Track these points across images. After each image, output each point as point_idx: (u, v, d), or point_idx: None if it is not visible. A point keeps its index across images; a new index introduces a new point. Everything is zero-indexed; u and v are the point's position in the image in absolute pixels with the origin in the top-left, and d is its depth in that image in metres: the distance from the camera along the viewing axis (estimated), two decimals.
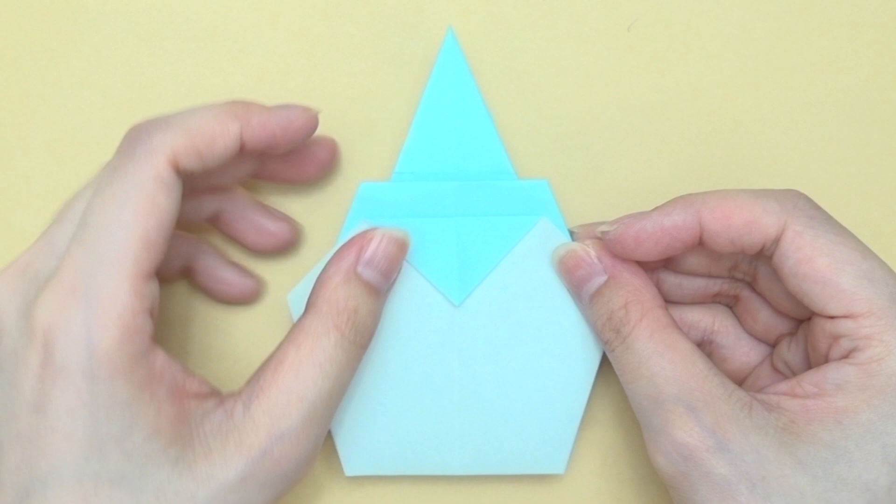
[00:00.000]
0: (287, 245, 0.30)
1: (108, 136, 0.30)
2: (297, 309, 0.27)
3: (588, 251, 0.26)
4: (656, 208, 0.25)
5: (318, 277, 0.25)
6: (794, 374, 0.26)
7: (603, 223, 0.26)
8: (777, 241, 0.24)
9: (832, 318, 0.23)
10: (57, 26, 0.32)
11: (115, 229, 0.23)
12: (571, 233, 0.28)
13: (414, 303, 0.27)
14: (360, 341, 0.25)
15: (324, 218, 0.31)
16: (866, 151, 0.31)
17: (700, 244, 0.25)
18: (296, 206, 0.31)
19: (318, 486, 0.31)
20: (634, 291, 0.25)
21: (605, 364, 0.28)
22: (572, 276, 0.27)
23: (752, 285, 0.27)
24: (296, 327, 0.25)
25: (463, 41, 0.30)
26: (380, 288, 0.26)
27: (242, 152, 0.25)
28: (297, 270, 0.30)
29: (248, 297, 0.30)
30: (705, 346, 0.29)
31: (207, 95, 0.31)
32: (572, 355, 0.28)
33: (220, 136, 0.24)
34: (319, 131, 0.27)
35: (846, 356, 0.23)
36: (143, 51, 0.32)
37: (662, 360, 0.24)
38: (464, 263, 0.27)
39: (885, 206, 0.31)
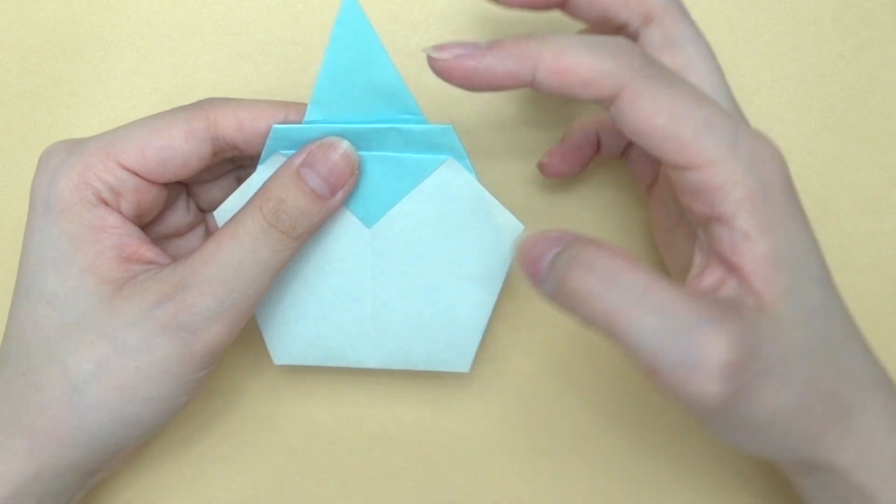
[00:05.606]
0: None
1: None
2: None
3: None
4: (490, 47, 0.25)
5: None
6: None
7: (430, 47, 0.25)
8: (614, 99, 0.24)
9: (684, 169, 0.24)
10: (112, 21, 0.36)
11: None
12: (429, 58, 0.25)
13: (333, 223, 0.31)
14: (282, 227, 0.27)
15: None
16: (826, 121, 0.34)
17: (531, 86, 0.25)
18: None
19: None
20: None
21: (508, 282, 0.32)
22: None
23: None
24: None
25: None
26: (320, 192, 0.28)
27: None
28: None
29: None
30: None
31: (239, 80, 0.36)
32: (477, 274, 0.31)
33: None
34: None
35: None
36: (186, 43, 0.36)
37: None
38: (376, 193, 0.30)
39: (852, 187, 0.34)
